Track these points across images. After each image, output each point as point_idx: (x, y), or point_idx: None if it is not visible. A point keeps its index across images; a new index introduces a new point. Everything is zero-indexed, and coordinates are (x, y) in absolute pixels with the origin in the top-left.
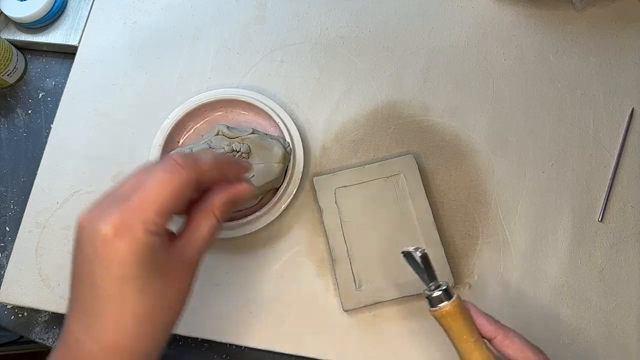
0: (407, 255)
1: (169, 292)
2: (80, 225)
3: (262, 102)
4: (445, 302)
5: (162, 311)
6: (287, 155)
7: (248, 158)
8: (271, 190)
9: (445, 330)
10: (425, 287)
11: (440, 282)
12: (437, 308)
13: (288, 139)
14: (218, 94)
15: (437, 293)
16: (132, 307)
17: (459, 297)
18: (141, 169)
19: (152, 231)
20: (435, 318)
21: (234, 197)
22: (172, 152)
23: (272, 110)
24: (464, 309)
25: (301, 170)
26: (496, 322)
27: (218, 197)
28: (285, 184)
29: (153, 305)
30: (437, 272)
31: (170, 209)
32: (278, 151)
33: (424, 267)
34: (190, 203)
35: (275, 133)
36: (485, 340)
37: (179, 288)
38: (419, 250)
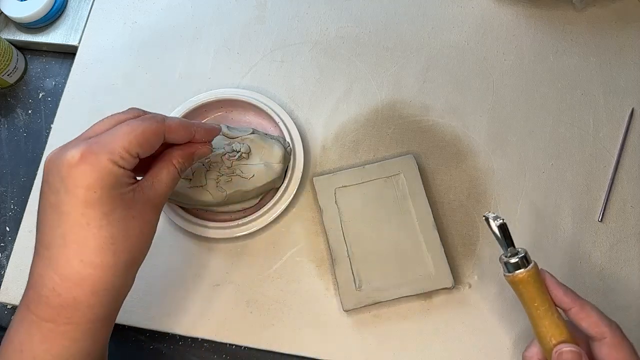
0: (487, 221)
1: (131, 224)
2: (48, 159)
3: (262, 102)
4: (521, 270)
5: (124, 243)
6: (287, 155)
7: (248, 158)
8: (271, 190)
9: (518, 296)
10: (502, 253)
11: (518, 250)
12: (511, 274)
13: (288, 139)
14: (218, 94)
15: (513, 260)
16: (95, 233)
17: (535, 267)
18: (107, 118)
19: (118, 163)
20: (509, 283)
21: (191, 152)
22: None
23: (272, 110)
24: (538, 278)
25: (301, 170)
26: (573, 294)
27: (177, 149)
28: (285, 184)
29: (115, 235)
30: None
31: (136, 148)
32: (278, 151)
33: (501, 236)
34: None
35: (276, 133)
36: (561, 311)
37: (141, 223)
38: (498, 220)
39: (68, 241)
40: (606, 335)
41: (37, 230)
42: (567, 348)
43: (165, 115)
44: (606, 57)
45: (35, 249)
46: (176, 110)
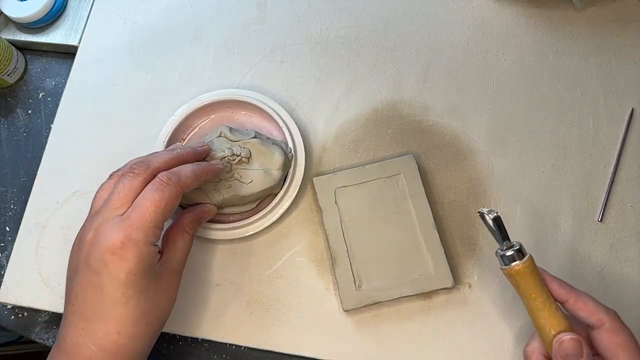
0: (482, 216)
1: (160, 296)
2: (88, 246)
3: (267, 105)
4: (517, 262)
5: (155, 313)
6: (288, 162)
7: (248, 163)
8: (269, 195)
9: (515, 289)
10: (498, 246)
11: (513, 243)
12: (507, 267)
13: (291, 144)
14: (225, 94)
15: (509, 252)
16: (133, 309)
17: (530, 259)
18: (122, 180)
19: (151, 242)
20: (506, 276)
21: (199, 216)
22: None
23: (277, 113)
24: (534, 270)
25: (302, 173)
26: (568, 286)
27: (187, 216)
28: (286, 186)
29: (148, 308)
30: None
31: (163, 221)
32: (279, 158)
33: (496, 229)
34: None
35: (279, 136)
36: (559, 304)
37: (168, 293)
38: (492, 213)
39: (108, 317)
40: (605, 321)
41: (69, 301)
42: (567, 336)
43: (177, 171)
44: (606, 57)
45: (66, 318)
46: (182, 109)
